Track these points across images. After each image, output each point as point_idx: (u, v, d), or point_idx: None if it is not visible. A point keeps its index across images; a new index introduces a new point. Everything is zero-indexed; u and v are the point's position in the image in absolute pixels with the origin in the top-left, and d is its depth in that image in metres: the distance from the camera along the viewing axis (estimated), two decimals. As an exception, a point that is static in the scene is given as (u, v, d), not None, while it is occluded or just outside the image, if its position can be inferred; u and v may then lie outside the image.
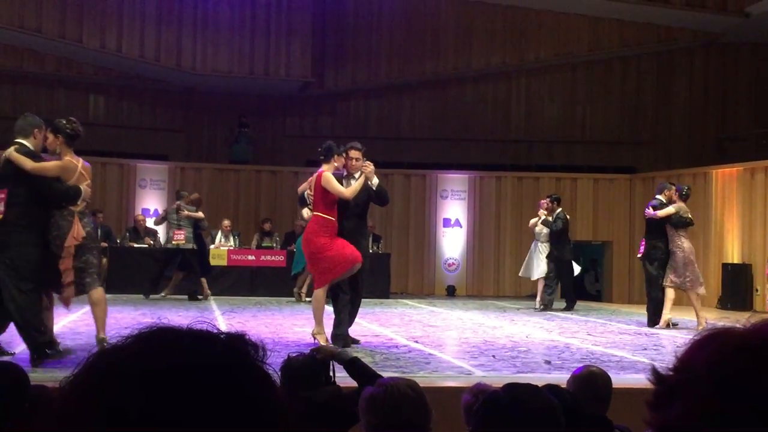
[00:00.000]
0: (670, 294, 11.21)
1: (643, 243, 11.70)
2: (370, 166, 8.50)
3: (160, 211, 15.40)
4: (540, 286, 14.24)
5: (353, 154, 8.56)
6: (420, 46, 19.33)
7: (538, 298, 14.22)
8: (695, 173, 16.97)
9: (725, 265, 15.57)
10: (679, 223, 11.21)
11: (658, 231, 11.37)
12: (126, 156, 18.02)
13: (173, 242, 14.49)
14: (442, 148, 19.48)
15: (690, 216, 11.34)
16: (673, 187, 11.71)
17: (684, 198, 11.49)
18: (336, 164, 8.46)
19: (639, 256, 11.89)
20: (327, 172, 8.35)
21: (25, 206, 6.82)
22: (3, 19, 17.21)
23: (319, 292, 8.39)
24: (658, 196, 11.63)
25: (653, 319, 11.31)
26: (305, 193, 8.92)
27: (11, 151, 6.84)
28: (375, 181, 8.54)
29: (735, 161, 16.74)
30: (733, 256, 15.70)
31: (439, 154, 19.33)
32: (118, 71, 18.84)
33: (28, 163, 6.80)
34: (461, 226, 18.47)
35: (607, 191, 18.26)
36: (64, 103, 18.88)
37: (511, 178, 18.61)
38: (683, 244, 11.20)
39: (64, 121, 7.08)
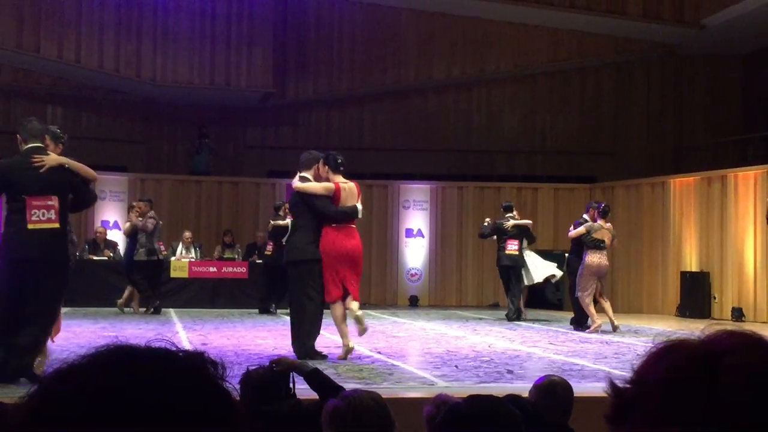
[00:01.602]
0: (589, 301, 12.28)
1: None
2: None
3: (126, 223, 14.74)
4: (523, 295, 14.33)
5: None
6: (381, 57, 19.39)
7: (521, 306, 14.22)
8: (653, 183, 17.18)
9: (683, 273, 15.77)
10: (588, 243, 12.23)
11: (577, 245, 12.55)
12: (85, 167, 17.81)
13: (163, 254, 14.51)
14: (403, 158, 19.52)
15: (597, 237, 12.26)
16: (596, 206, 12.67)
17: (603, 215, 12.47)
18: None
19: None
20: None
21: (65, 216, 6.75)
22: (-42, 29, 16.98)
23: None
24: (584, 215, 12.62)
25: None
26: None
27: (66, 159, 6.74)
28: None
29: (692, 171, 16.99)
30: (691, 264, 15.91)
31: (401, 165, 19.37)
32: (77, 82, 18.65)
33: (90, 171, 6.84)
34: (423, 236, 18.51)
35: (567, 201, 18.41)
36: (22, 113, 18.55)
37: (472, 188, 18.70)
38: (590, 258, 12.24)
39: (59, 131, 7.10)
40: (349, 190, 8.40)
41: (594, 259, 12.08)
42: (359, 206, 8.45)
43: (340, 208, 8.34)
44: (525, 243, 14.19)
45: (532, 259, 14.19)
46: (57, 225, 6.54)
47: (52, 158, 6.63)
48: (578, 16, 18.40)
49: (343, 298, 8.30)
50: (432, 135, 19.72)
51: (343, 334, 8.22)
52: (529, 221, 14.55)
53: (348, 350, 8.15)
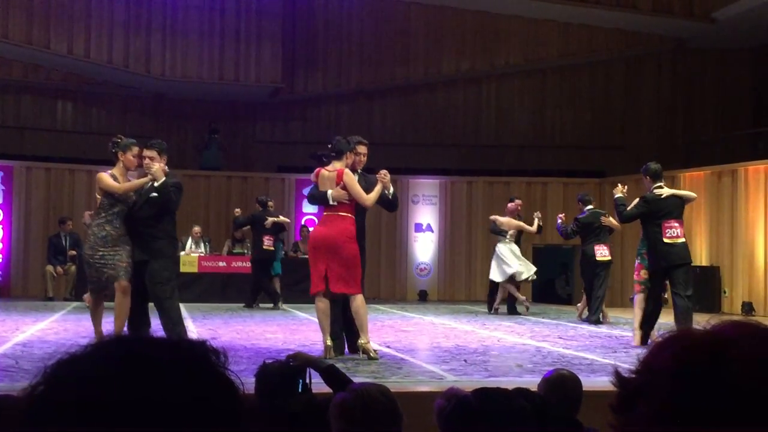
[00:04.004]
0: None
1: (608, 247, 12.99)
2: (387, 176, 8.25)
3: None
4: (510, 289, 14.45)
5: (361, 149, 8.33)
6: (390, 52, 19.36)
7: (500, 302, 14.45)
8: (663, 176, 17.08)
9: (694, 268, 15.70)
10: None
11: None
12: (94, 163, 17.81)
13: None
14: (413, 153, 19.50)
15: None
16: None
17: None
18: (348, 161, 8.13)
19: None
20: (348, 171, 8.02)
21: None
22: (-31, 25, 17.04)
23: (362, 298, 7.92)
24: (590, 207, 13.32)
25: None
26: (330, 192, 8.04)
27: None
28: (391, 189, 8.37)
29: (702, 165, 16.91)
30: (702, 258, 15.85)
31: (410, 160, 19.35)
32: (87, 77, 18.69)
33: None
34: (433, 231, 18.49)
35: (577, 195, 18.35)
36: (32, 109, 18.70)
37: (482, 183, 18.68)
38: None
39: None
40: (327, 176, 8.08)
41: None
42: (329, 192, 7.92)
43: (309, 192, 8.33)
44: (510, 239, 14.42)
45: (505, 257, 14.30)
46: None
47: None
48: (588, 10, 18.34)
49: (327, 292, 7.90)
50: (441, 130, 19.70)
51: (323, 330, 7.83)
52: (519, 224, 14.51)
53: (328, 348, 7.70)
